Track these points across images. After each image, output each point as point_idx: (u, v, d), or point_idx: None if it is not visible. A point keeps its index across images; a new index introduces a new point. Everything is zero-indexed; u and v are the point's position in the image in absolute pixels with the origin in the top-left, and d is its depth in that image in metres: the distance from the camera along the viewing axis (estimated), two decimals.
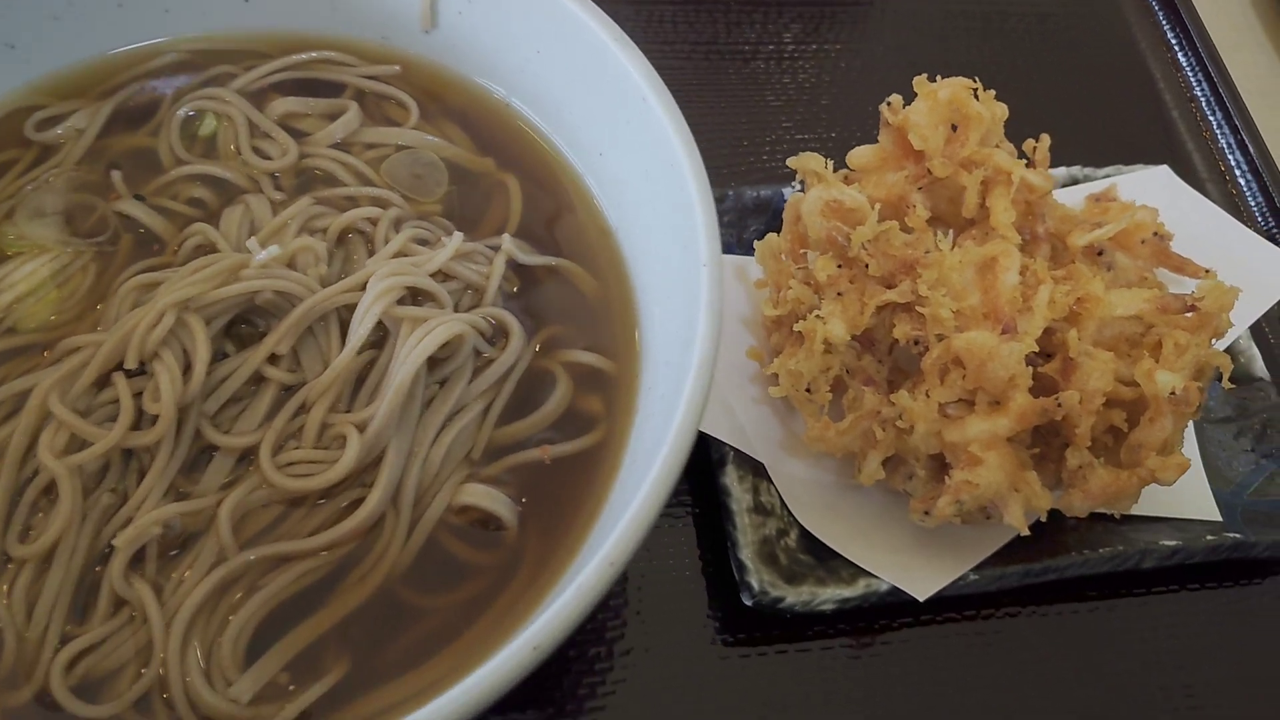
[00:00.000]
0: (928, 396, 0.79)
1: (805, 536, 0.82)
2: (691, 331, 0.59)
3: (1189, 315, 0.80)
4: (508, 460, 0.68)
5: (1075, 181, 1.02)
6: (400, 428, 0.65)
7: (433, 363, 0.67)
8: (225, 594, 0.60)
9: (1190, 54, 1.19)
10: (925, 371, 0.79)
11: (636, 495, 0.54)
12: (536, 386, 0.72)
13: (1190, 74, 1.19)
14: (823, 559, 0.81)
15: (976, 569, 0.80)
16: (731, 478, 0.85)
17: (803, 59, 1.17)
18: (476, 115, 0.82)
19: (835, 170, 0.89)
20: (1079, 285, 0.79)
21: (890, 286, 0.82)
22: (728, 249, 0.88)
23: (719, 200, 0.98)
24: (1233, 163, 1.12)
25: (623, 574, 0.53)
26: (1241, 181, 1.10)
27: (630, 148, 0.75)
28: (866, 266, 0.82)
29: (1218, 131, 1.15)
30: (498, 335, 0.72)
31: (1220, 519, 0.86)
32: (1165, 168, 1.03)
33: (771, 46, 1.18)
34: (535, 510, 0.66)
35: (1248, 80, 1.18)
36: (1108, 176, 1.03)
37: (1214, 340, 0.82)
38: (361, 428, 0.65)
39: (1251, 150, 1.12)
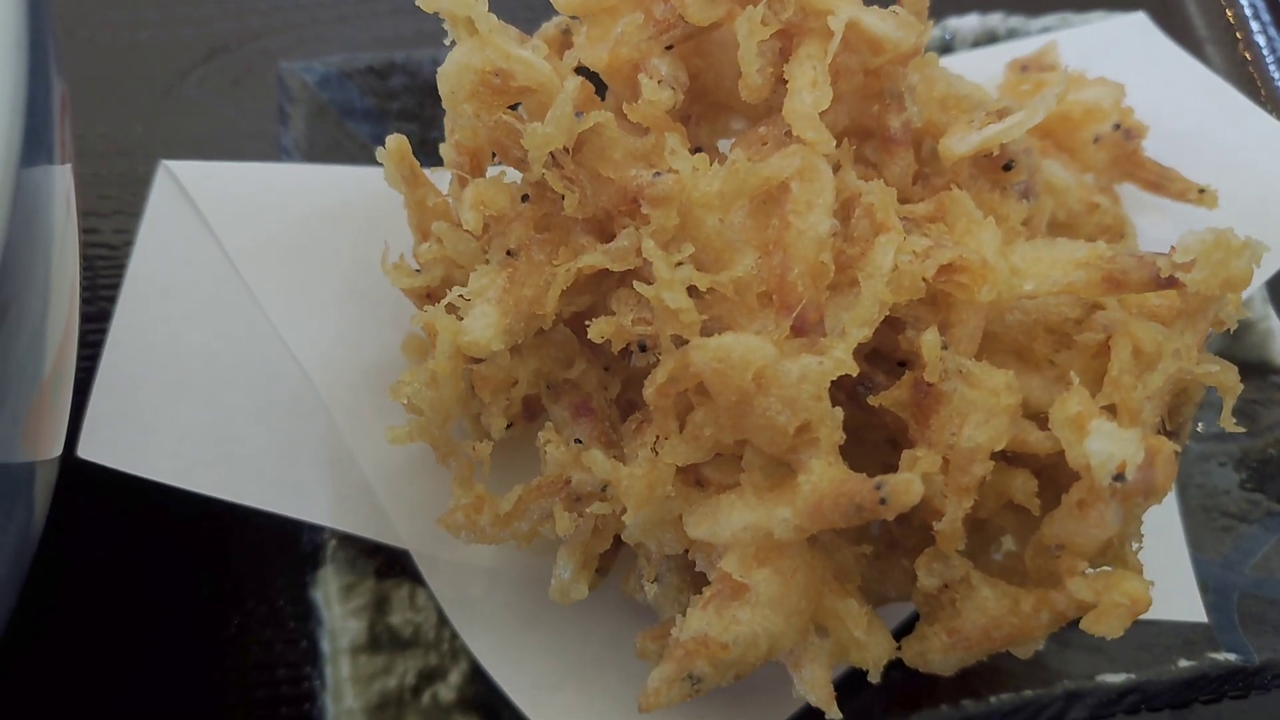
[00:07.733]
0: (655, 454, 0.41)
1: (481, 677, 0.44)
2: None
3: (1161, 300, 0.41)
4: None
5: (994, 39, 0.61)
6: None
7: None
8: None
9: None
10: (653, 406, 0.41)
11: None
12: None
13: None
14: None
15: None
16: (329, 587, 0.47)
17: None
18: None
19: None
20: (953, 236, 0.40)
21: (608, 238, 0.43)
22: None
23: (381, 75, 0.59)
24: (1246, 10, 0.70)
25: None
26: (1260, 40, 0.69)
27: None
28: (563, 200, 0.43)
29: None
30: None
31: (1204, 619, 0.48)
32: (1141, 15, 0.62)
33: None
34: None
35: None
36: (1047, 30, 0.62)
37: (1209, 336, 0.43)
38: None
39: None
